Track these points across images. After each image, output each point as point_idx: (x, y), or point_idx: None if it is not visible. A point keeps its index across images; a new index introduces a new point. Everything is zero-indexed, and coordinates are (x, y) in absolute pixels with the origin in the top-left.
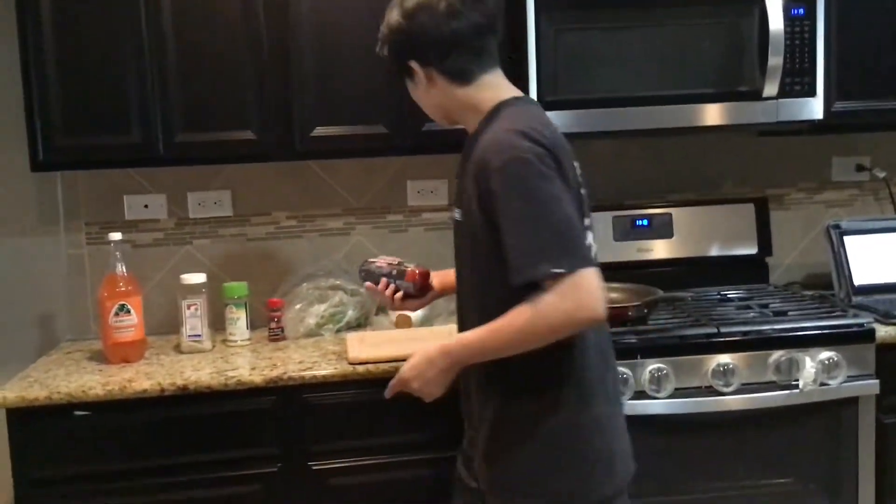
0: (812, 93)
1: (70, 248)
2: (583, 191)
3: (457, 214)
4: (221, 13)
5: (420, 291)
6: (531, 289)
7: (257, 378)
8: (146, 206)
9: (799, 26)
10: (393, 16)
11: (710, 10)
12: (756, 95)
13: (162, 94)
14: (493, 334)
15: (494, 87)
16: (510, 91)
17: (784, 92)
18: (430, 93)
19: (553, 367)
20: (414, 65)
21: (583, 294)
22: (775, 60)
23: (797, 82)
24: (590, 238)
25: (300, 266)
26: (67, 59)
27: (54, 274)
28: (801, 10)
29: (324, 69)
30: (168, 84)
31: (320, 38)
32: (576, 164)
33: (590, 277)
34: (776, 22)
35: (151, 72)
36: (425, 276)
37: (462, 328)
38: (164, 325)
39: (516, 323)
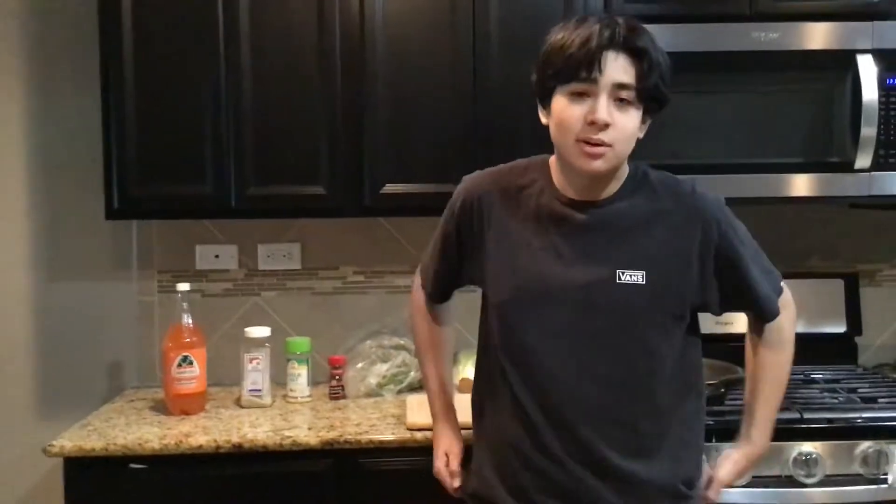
0: None
1: (141, 295)
2: None
3: (634, 277)
4: (298, 68)
5: None
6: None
7: (313, 440)
8: (217, 257)
9: (894, 96)
10: (660, 48)
11: (801, 76)
12: (848, 167)
13: (237, 147)
14: (776, 397)
15: None
16: None
17: (878, 164)
18: (636, 136)
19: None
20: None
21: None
22: (868, 131)
23: (892, 155)
24: None
25: (365, 323)
26: (146, 111)
27: (125, 320)
28: None
29: (397, 126)
30: (243, 137)
31: (394, 94)
32: None
33: None
34: (870, 91)
35: (227, 125)
36: None
37: (594, 419)
38: (230, 375)
39: (785, 364)
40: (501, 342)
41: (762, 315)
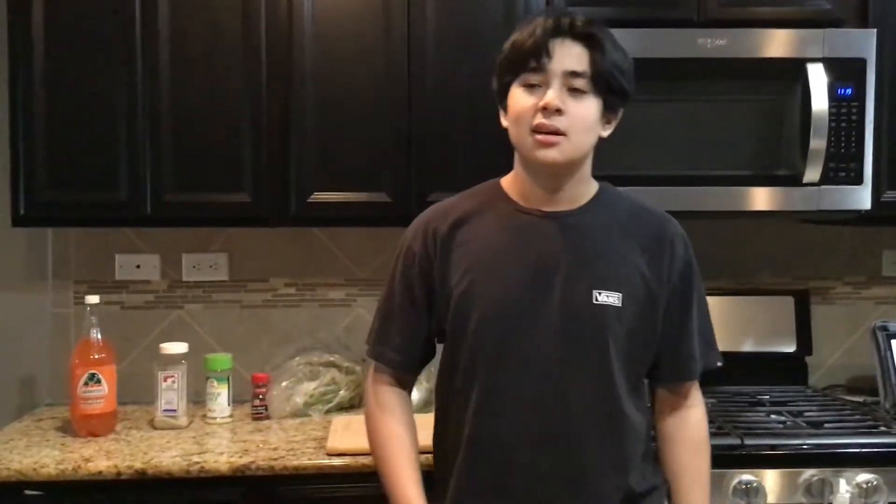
0: (859, 180)
1: (56, 307)
2: None
3: (611, 298)
4: (222, 69)
5: None
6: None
7: (223, 466)
8: (138, 267)
9: (846, 107)
10: (619, 44)
11: (749, 85)
12: (796, 181)
13: (153, 150)
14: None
15: None
16: None
17: (827, 178)
18: (596, 130)
19: None
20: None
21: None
22: (818, 143)
23: (842, 168)
24: None
25: (296, 337)
26: (56, 110)
27: (38, 333)
28: (849, 90)
29: (326, 131)
30: (160, 141)
31: (324, 98)
32: None
33: None
34: (820, 102)
35: (143, 126)
36: None
37: (562, 448)
38: (150, 393)
39: (705, 464)
40: (470, 373)
41: (680, 372)
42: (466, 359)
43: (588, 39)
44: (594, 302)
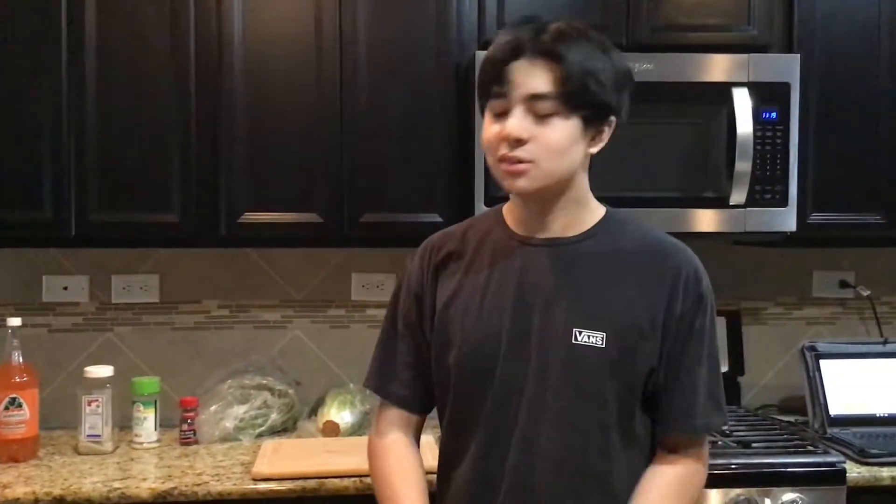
0: (784, 203)
1: None
2: None
3: (593, 338)
4: (150, 87)
5: None
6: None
7: (144, 492)
8: (66, 288)
9: (771, 131)
10: (616, 55)
11: (676, 109)
12: (723, 203)
13: (78, 169)
14: None
15: None
16: None
17: (753, 200)
18: (575, 150)
19: None
20: (614, 113)
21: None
22: (743, 166)
23: (767, 190)
24: None
25: (230, 360)
26: None
27: None
28: (774, 114)
29: (257, 151)
30: (86, 159)
31: (255, 117)
32: None
33: None
34: (745, 125)
35: (68, 145)
36: None
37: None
38: (77, 418)
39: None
40: (449, 411)
41: (675, 427)
42: (447, 394)
43: (554, 56)
44: (573, 342)
